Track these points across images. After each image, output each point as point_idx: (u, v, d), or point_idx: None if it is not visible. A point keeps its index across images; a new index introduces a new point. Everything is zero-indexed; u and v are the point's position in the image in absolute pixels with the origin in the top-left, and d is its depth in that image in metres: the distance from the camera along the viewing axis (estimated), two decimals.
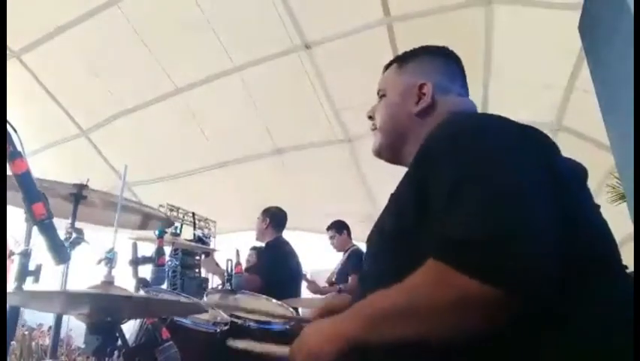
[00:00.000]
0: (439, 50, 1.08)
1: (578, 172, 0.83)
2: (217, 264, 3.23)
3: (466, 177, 0.71)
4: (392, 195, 0.91)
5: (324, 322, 0.82)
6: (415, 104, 0.99)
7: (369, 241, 0.94)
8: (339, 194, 5.64)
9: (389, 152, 1.04)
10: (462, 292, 0.63)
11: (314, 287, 3.92)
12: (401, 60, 1.07)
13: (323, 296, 3.79)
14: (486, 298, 0.62)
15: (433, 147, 0.81)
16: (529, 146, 0.78)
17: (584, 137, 4.23)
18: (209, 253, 3.51)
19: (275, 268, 3.21)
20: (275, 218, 3.53)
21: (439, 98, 0.99)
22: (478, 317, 0.65)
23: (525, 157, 0.75)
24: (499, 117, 0.84)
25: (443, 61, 1.06)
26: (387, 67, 1.10)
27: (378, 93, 1.08)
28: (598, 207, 0.82)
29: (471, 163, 0.73)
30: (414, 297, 0.68)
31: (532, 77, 4.08)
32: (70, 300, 1.27)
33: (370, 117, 1.09)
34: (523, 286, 0.61)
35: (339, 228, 4.19)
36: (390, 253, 0.83)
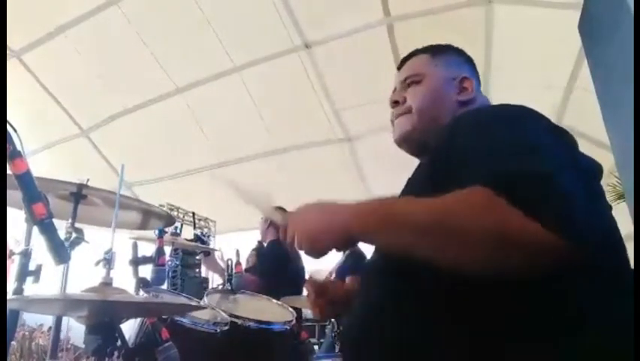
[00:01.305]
0: (462, 50, 1.10)
1: (595, 169, 0.84)
2: (218, 262, 3.24)
3: (502, 138, 0.69)
4: (409, 179, 0.91)
5: (327, 205, 0.78)
6: (456, 93, 1.00)
7: None
8: (339, 194, 5.60)
9: (418, 135, 0.98)
10: (510, 226, 0.58)
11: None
12: (434, 50, 1.07)
13: None
14: (535, 238, 0.57)
15: (466, 124, 0.81)
16: (560, 135, 0.79)
17: (584, 136, 4.23)
18: (209, 253, 3.51)
19: (274, 268, 3.22)
20: None
21: (477, 94, 1.02)
22: (516, 257, 0.60)
23: (557, 137, 0.75)
24: (532, 109, 0.83)
25: (469, 61, 1.09)
26: (411, 55, 1.09)
27: (405, 79, 1.04)
28: (610, 207, 0.82)
29: (507, 136, 0.70)
30: (451, 215, 0.62)
31: (532, 77, 4.08)
32: (69, 304, 1.27)
33: (396, 103, 1.04)
34: (578, 237, 0.58)
35: None
36: None
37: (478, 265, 0.62)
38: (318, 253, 0.75)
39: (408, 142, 1.01)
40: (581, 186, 0.65)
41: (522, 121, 0.77)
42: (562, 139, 0.78)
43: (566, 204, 0.60)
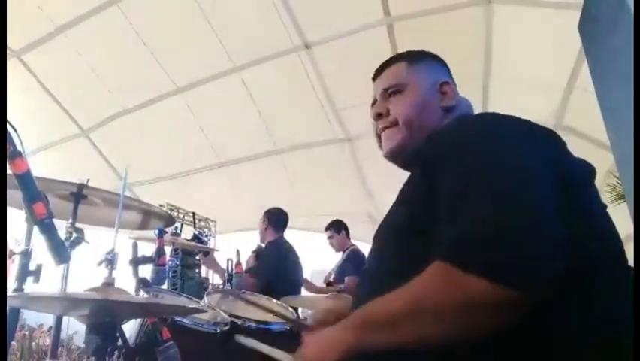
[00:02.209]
0: (436, 55, 1.09)
1: (586, 171, 0.83)
2: (217, 262, 3.24)
3: (472, 178, 0.71)
4: (401, 190, 0.91)
5: (324, 331, 0.79)
6: (439, 100, 1.00)
7: (376, 236, 0.91)
8: (339, 194, 5.64)
9: (412, 148, 0.96)
10: (471, 293, 0.62)
11: (309, 287, 3.91)
12: (411, 58, 1.06)
13: (324, 295, 3.79)
14: (496, 297, 0.61)
15: (444, 144, 0.81)
16: (537, 146, 0.78)
17: (584, 136, 4.23)
18: (208, 252, 3.51)
19: (272, 268, 3.21)
20: (273, 218, 3.54)
21: (459, 98, 1.02)
22: (487, 317, 0.64)
23: (533, 158, 0.75)
24: (510, 118, 0.83)
25: (446, 66, 1.08)
26: (388, 64, 1.07)
27: (387, 89, 1.02)
28: (605, 206, 0.82)
29: (478, 164, 0.73)
30: (419, 300, 0.67)
31: (532, 77, 4.08)
32: (71, 303, 1.27)
33: (379, 115, 1.02)
34: (534, 284, 0.60)
35: (337, 228, 4.18)
36: (399, 247, 0.81)
37: (463, 332, 0.66)
38: None
39: (400, 156, 0.99)
40: (557, 204, 0.67)
41: (497, 149, 0.76)
42: (537, 152, 0.76)
43: (522, 260, 0.61)
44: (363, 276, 0.96)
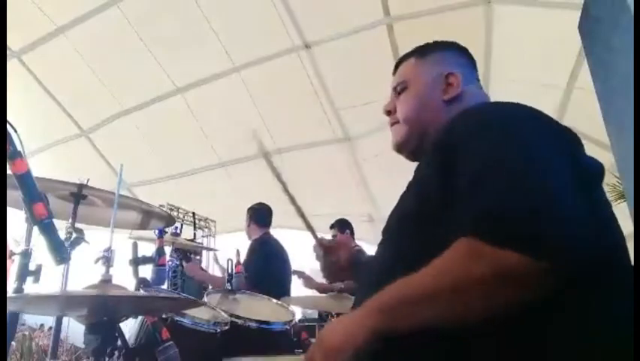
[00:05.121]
0: (452, 43, 1.09)
1: (598, 169, 0.83)
2: (202, 268, 3.18)
3: (494, 156, 0.71)
4: (410, 181, 0.91)
5: (343, 318, 0.76)
6: (443, 93, 1.00)
7: (385, 229, 0.92)
8: (339, 194, 5.64)
9: (414, 143, 1.01)
10: (500, 266, 0.61)
11: (309, 283, 3.86)
12: (420, 52, 1.08)
13: (324, 295, 3.77)
14: (526, 270, 0.60)
15: (461, 129, 0.81)
16: (556, 132, 0.79)
17: (584, 136, 4.20)
18: (190, 258, 3.45)
19: (257, 264, 3.14)
20: (256, 214, 3.48)
21: (465, 88, 1.01)
22: (515, 291, 0.63)
23: (553, 141, 0.76)
24: (528, 106, 0.84)
25: (460, 53, 1.08)
26: (401, 61, 1.10)
27: (395, 88, 1.06)
28: (610, 205, 0.82)
29: (502, 143, 0.73)
30: (445, 276, 0.65)
31: (532, 77, 4.08)
32: (68, 302, 1.27)
33: (389, 112, 1.07)
34: (563, 255, 0.61)
35: (342, 226, 4.15)
36: (411, 237, 0.81)
37: (490, 309, 0.65)
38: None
39: (403, 150, 1.06)
40: (576, 198, 0.67)
41: (518, 131, 0.77)
42: (561, 145, 0.77)
43: (551, 231, 0.62)
44: (368, 267, 0.96)
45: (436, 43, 1.09)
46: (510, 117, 0.81)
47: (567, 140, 0.82)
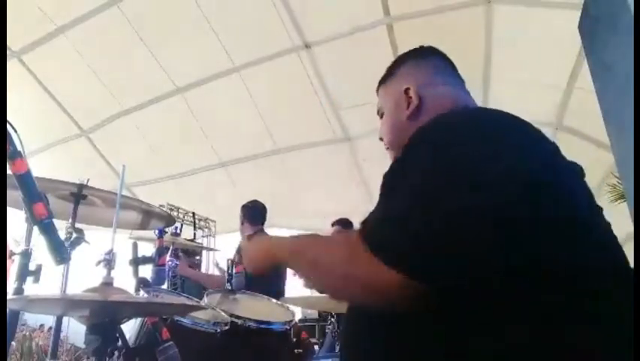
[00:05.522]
0: (411, 51, 1.09)
1: (575, 171, 0.81)
2: (191, 266, 3.15)
3: (397, 179, 0.78)
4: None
5: (265, 238, 1.11)
6: (405, 110, 1.00)
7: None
8: (339, 194, 5.64)
9: None
10: (356, 264, 0.70)
11: (308, 283, 3.86)
12: (384, 77, 1.10)
13: (324, 295, 3.77)
14: (379, 277, 0.66)
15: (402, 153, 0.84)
16: (502, 149, 0.73)
17: (584, 136, 4.24)
18: (179, 256, 3.42)
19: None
20: (249, 213, 3.47)
21: (424, 94, 0.99)
22: (364, 293, 0.72)
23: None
24: (475, 119, 0.84)
25: (418, 59, 1.07)
26: (378, 85, 1.12)
27: (378, 113, 1.10)
28: (600, 208, 0.78)
29: (406, 173, 0.77)
30: (325, 253, 0.81)
31: (532, 77, 4.08)
32: (70, 304, 1.27)
33: (381, 139, 1.10)
34: (425, 275, 0.63)
35: (344, 225, 4.15)
36: None
37: (338, 294, 0.87)
38: (255, 270, 1.03)
39: None
40: (441, 220, 0.66)
41: (443, 147, 0.75)
42: (505, 154, 0.72)
43: (409, 245, 0.65)
44: None
45: (395, 61, 1.09)
46: (428, 143, 0.78)
47: (520, 145, 0.76)
